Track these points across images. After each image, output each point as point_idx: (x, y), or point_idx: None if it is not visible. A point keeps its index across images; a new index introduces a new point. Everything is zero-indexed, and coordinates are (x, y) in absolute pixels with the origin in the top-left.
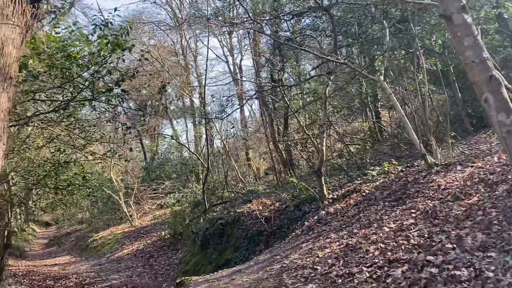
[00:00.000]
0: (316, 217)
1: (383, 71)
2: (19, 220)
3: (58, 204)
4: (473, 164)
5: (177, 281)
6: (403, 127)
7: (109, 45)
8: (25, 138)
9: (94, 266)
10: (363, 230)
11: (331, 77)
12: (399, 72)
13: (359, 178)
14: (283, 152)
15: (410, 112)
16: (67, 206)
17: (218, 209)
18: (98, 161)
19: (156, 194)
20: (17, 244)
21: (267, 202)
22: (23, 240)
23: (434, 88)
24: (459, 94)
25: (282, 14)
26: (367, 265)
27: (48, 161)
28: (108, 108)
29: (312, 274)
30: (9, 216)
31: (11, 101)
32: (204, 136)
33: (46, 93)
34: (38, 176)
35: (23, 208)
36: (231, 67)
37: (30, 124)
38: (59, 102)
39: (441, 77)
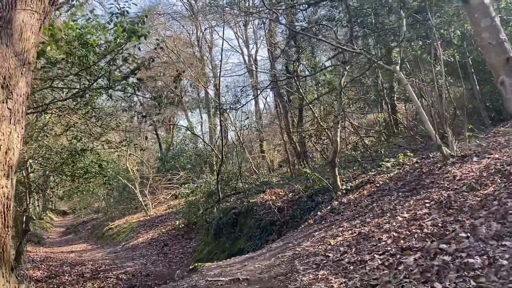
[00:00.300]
0: (329, 207)
1: (399, 62)
2: (37, 208)
3: (75, 191)
4: (490, 156)
5: (190, 267)
6: (419, 119)
7: (125, 32)
8: (43, 125)
9: (110, 254)
10: (376, 220)
11: (347, 67)
12: (416, 63)
13: (373, 170)
14: (297, 144)
15: (426, 104)
16: (84, 194)
17: (231, 199)
18: (114, 149)
19: (171, 184)
20: (35, 231)
21: (280, 193)
22: (41, 228)
23: (451, 80)
24: (477, 87)
25: (297, 3)
26: (380, 252)
27: (65, 149)
28: (124, 96)
29: (324, 261)
30: (28, 202)
31: (30, 86)
32: (218, 127)
33: (64, 80)
34: (56, 163)
35: (40, 195)
36: (246, 58)
37: (48, 111)
38: (76, 90)
39: (459, 69)
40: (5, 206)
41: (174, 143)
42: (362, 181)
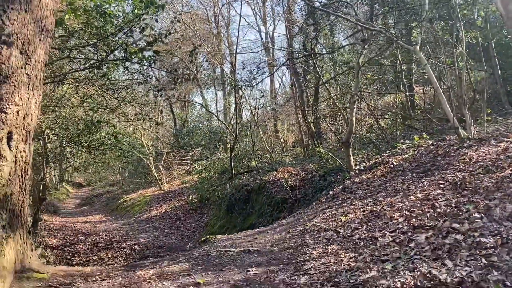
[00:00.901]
0: (341, 186)
1: (419, 42)
2: (54, 178)
3: (91, 163)
4: (508, 139)
5: (202, 239)
6: (437, 102)
7: (142, 3)
8: (60, 96)
9: (124, 226)
10: (389, 199)
11: (366, 46)
12: (437, 45)
13: (387, 151)
14: (311, 124)
15: (445, 87)
16: (99, 166)
17: (244, 177)
18: (130, 123)
19: (185, 161)
20: (52, 201)
21: (293, 171)
22: (57, 199)
23: (472, 63)
24: (499, 71)
25: None
26: (391, 230)
27: (82, 120)
28: (140, 69)
29: (334, 236)
30: (44, 172)
31: (48, 53)
32: (233, 105)
33: (81, 51)
34: (72, 134)
35: (57, 165)
36: (263, 35)
37: (66, 82)
38: (94, 61)
39: (481, 52)
40: (23, 170)
41: (189, 120)
42: (376, 162)
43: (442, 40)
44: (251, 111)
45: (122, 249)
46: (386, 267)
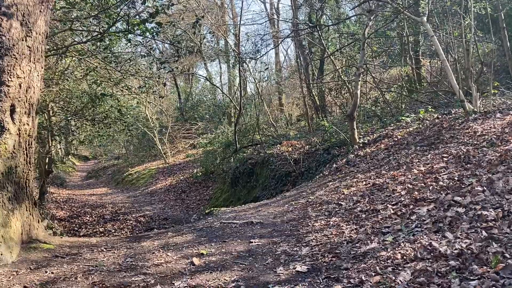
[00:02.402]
0: (344, 160)
1: (427, 13)
2: (60, 151)
3: (95, 136)
4: None
5: (206, 211)
6: (443, 75)
7: None
8: (63, 69)
9: (129, 198)
10: (392, 172)
11: (372, 17)
12: (444, 16)
13: (392, 124)
14: (316, 97)
15: (452, 60)
16: (104, 139)
17: (248, 150)
18: (134, 95)
19: (189, 134)
20: (58, 174)
21: (297, 145)
22: (63, 172)
23: (481, 35)
24: (508, 43)
25: None
26: (393, 203)
27: (86, 93)
28: (143, 41)
29: (336, 209)
30: (50, 145)
31: (48, 25)
32: (237, 79)
33: (83, 23)
34: (76, 107)
35: (62, 139)
36: (268, 6)
37: (68, 54)
38: (96, 33)
39: (490, 24)
40: (27, 143)
41: (193, 93)
42: (380, 135)
43: (450, 11)
44: (256, 84)
45: (128, 221)
46: (387, 239)
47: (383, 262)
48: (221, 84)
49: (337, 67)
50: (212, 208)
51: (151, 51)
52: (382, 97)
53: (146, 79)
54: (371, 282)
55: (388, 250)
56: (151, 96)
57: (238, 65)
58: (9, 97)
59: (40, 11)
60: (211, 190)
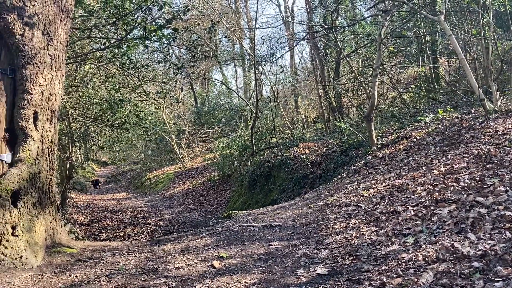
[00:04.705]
0: (363, 161)
1: (444, 12)
2: (80, 157)
3: (114, 141)
4: None
5: (225, 214)
6: (462, 74)
7: None
8: (83, 76)
9: (148, 202)
10: (411, 173)
11: (388, 17)
12: (462, 14)
13: (410, 125)
14: (332, 99)
15: (471, 58)
16: (123, 144)
17: (265, 153)
18: (151, 101)
19: (206, 138)
20: (78, 179)
21: (314, 147)
22: (83, 177)
23: (500, 33)
24: None
25: None
26: (413, 204)
27: (104, 99)
28: (160, 47)
29: (356, 211)
30: (70, 151)
31: (68, 33)
32: (253, 82)
33: (101, 31)
34: (95, 113)
35: (82, 145)
36: (282, 9)
37: (87, 61)
38: (114, 40)
39: (510, 20)
40: (50, 149)
41: (209, 97)
42: (399, 136)
43: (468, 9)
44: (271, 87)
45: (147, 225)
46: (408, 240)
47: (404, 264)
48: (237, 87)
49: (353, 68)
50: (231, 212)
51: (168, 57)
52: (399, 98)
53: (163, 84)
54: (392, 284)
55: (409, 251)
56: (168, 101)
57: (253, 69)
58: (32, 104)
59: (61, 20)
60: (228, 193)
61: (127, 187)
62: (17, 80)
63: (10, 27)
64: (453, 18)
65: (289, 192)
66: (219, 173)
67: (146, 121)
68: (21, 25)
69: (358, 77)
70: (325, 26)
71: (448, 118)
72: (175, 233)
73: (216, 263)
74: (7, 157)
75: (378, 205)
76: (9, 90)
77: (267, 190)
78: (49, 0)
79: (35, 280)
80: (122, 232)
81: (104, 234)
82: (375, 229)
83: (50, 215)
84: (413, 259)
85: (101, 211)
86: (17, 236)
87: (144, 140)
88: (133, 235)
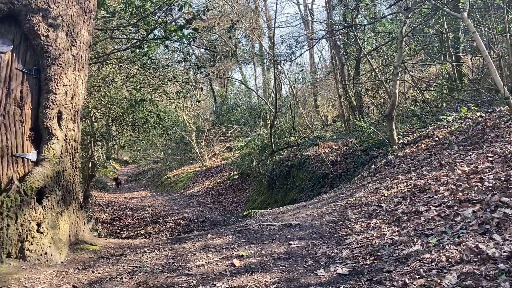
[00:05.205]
0: (383, 161)
1: (468, 8)
2: (101, 156)
3: (135, 141)
4: None
5: (244, 213)
6: (486, 71)
7: None
8: (104, 76)
9: (168, 201)
10: (434, 173)
11: (409, 15)
12: (486, 10)
13: (432, 124)
14: (352, 98)
15: (495, 55)
16: (144, 144)
17: (284, 153)
18: (172, 100)
19: (226, 137)
20: (100, 178)
21: (333, 146)
22: (105, 176)
23: None
24: None
25: None
26: (436, 204)
27: (126, 99)
28: (180, 47)
29: (377, 211)
30: (92, 150)
31: (91, 34)
32: (272, 81)
33: (123, 31)
34: (117, 113)
35: (104, 144)
36: (302, 8)
37: (109, 62)
38: (135, 40)
39: None
40: (73, 148)
41: (229, 97)
42: (420, 135)
43: (492, 5)
44: (291, 86)
45: (167, 223)
46: (430, 241)
47: (427, 265)
48: (256, 87)
49: (374, 67)
50: (250, 211)
51: (188, 57)
52: (421, 96)
53: (183, 84)
54: (415, 285)
55: (432, 252)
56: (188, 101)
57: (273, 68)
58: (56, 104)
59: (84, 21)
60: (248, 192)
61: (147, 185)
62: (42, 80)
63: (35, 29)
64: (477, 15)
65: (308, 192)
66: (238, 172)
67: (167, 120)
68: (45, 26)
69: (379, 76)
70: (345, 24)
71: (471, 117)
72: (195, 232)
73: (236, 262)
74: (33, 155)
75: (400, 205)
76: (34, 90)
77: (286, 189)
78: (72, 2)
79: (60, 276)
80: (143, 230)
81: (125, 232)
82: (397, 229)
83: (73, 212)
84: (436, 260)
85: (122, 209)
86: (42, 233)
87: (164, 139)
88: (153, 233)
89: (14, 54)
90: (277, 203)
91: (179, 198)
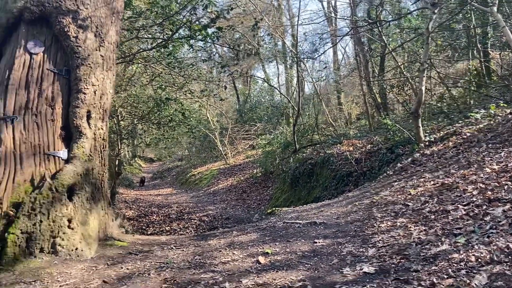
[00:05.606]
0: (410, 159)
1: (497, 3)
2: (127, 154)
3: (161, 139)
4: None
5: (268, 211)
6: None
7: None
8: (131, 76)
9: (193, 198)
10: (462, 171)
11: (436, 10)
12: None
13: (460, 121)
14: (377, 95)
15: None
16: (169, 141)
17: (307, 151)
18: (196, 99)
19: (249, 135)
20: (126, 175)
21: (358, 144)
22: (131, 173)
23: None
24: None
25: None
26: (464, 203)
27: (151, 98)
28: (204, 46)
29: (403, 210)
30: (119, 148)
31: (119, 34)
32: (295, 79)
33: (148, 31)
34: (143, 112)
35: (130, 142)
36: (325, 5)
37: (135, 61)
38: (160, 40)
39: None
40: (102, 146)
41: (252, 95)
42: (448, 133)
43: None
44: (314, 83)
45: (192, 220)
46: (459, 240)
47: (455, 265)
48: (279, 85)
49: (399, 63)
50: (274, 208)
51: (212, 56)
52: (448, 93)
53: (207, 83)
54: (443, 285)
55: (461, 252)
56: (212, 99)
57: (296, 66)
58: (86, 103)
59: (111, 22)
60: (271, 190)
61: (172, 183)
62: (72, 81)
63: (66, 30)
64: (506, 9)
65: (332, 190)
66: (262, 170)
67: (191, 118)
68: (75, 27)
69: (404, 72)
70: (369, 20)
71: (501, 114)
72: (220, 229)
73: (262, 259)
74: (63, 153)
75: (427, 204)
76: (64, 90)
77: (310, 187)
78: (101, 3)
79: (90, 271)
80: (168, 227)
81: (151, 228)
82: (424, 228)
83: (102, 209)
84: (465, 259)
85: (148, 206)
86: (72, 229)
87: (188, 137)
88: (178, 229)
89: (46, 55)
90: (300, 201)
91: (203, 195)
